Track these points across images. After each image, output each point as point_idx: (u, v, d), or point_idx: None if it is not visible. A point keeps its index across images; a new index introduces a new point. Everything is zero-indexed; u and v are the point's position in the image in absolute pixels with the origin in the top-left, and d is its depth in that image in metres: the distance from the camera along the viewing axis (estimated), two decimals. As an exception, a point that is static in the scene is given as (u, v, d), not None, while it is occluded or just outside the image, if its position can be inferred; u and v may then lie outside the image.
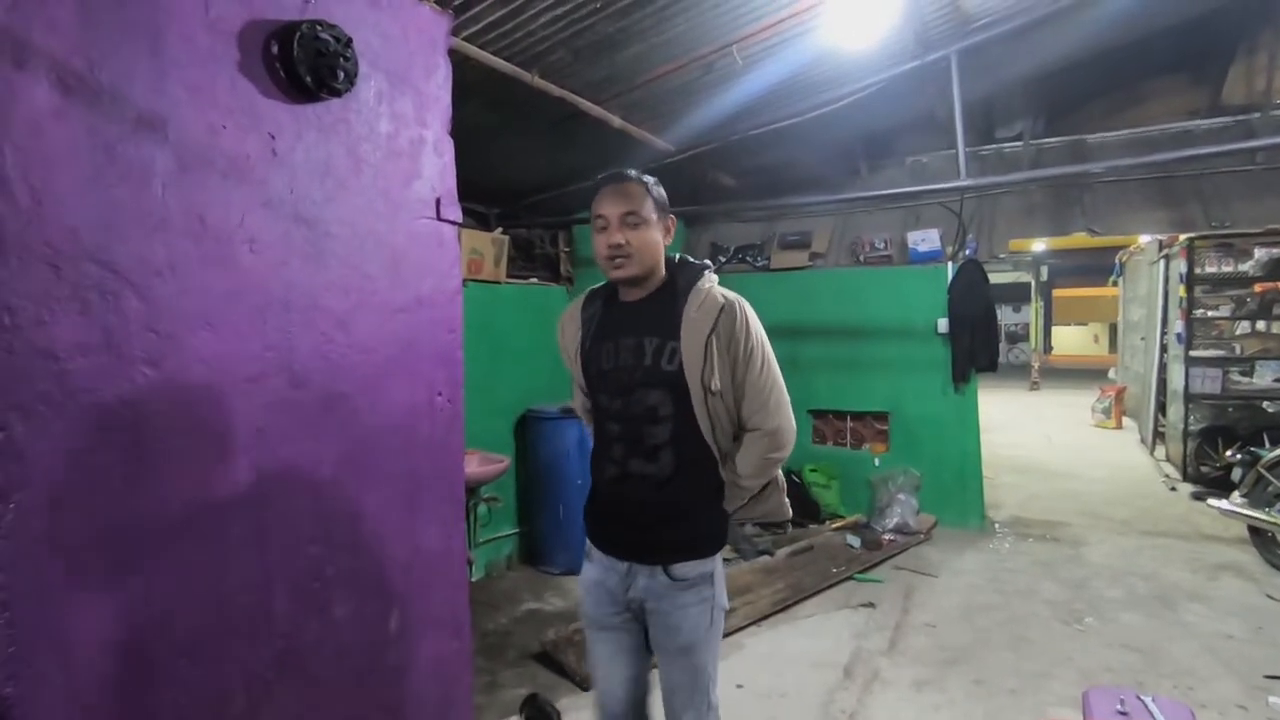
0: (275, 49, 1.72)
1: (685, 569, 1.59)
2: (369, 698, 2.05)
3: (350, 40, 1.82)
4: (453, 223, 2.29)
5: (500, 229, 4.57)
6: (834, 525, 4.86)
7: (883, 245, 5.31)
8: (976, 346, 4.85)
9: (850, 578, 4.03)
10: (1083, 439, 8.65)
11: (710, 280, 1.64)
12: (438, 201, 2.23)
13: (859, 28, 2.83)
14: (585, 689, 2.82)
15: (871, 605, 3.65)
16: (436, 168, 2.23)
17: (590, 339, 1.72)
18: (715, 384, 1.54)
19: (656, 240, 1.62)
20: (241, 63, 1.68)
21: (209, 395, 1.63)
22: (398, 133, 2.08)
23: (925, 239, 5.11)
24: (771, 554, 4.32)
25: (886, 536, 4.59)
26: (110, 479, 1.46)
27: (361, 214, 1.98)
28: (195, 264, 1.59)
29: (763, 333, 1.62)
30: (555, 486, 4.25)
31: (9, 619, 1.31)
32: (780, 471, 1.72)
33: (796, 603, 3.69)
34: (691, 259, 1.72)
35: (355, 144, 1.95)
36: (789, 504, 1.78)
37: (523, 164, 3.80)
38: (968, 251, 5.00)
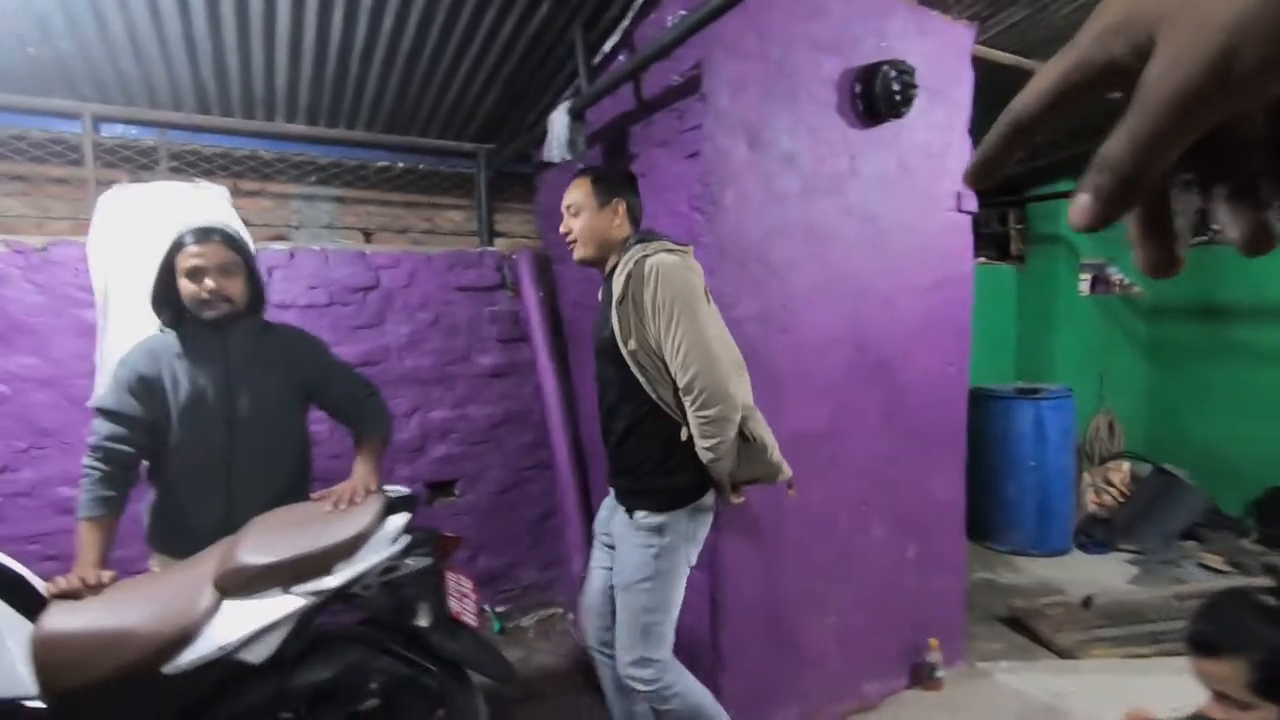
0: (858, 88, 2.22)
1: (639, 516, 1.73)
2: (892, 609, 2.51)
3: (913, 70, 2.22)
4: (969, 213, 2.58)
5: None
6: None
7: None
8: None
9: None
10: None
11: (639, 250, 1.69)
12: (958, 195, 2.54)
13: None
14: (1063, 656, 2.90)
15: None
16: (958, 165, 2.54)
17: None
18: (631, 344, 1.64)
19: (600, 224, 1.76)
20: (838, 104, 2.22)
21: (811, 355, 2.23)
22: (932, 139, 2.45)
23: None
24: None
25: None
26: (760, 407, 2.14)
27: (903, 210, 2.40)
28: (807, 259, 2.19)
29: (680, 289, 1.62)
30: (1004, 464, 4.26)
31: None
32: (767, 432, 1.75)
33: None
34: (644, 233, 1.80)
35: (904, 153, 2.38)
36: (783, 464, 1.78)
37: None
38: None
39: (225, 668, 1.27)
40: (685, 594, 1.78)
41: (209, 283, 1.58)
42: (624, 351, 1.66)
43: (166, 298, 1.64)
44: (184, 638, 1.24)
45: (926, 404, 2.52)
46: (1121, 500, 4.61)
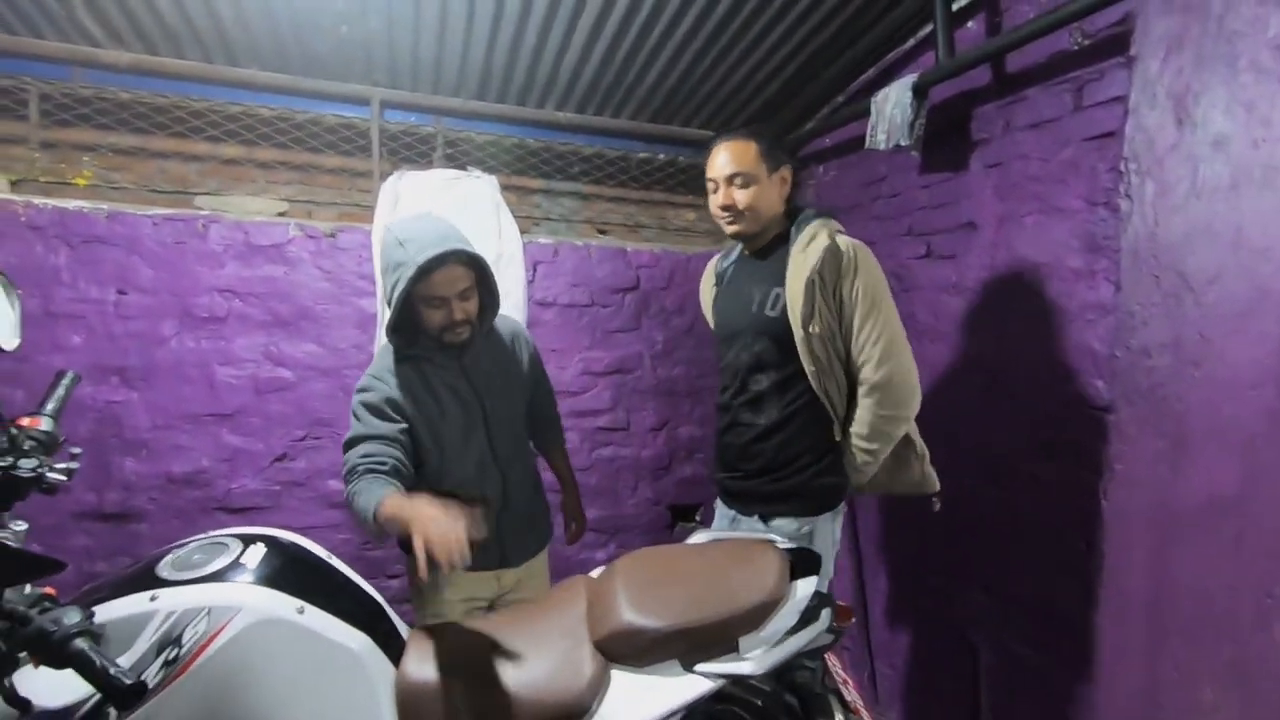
0: (1312, 54, 1.69)
1: (782, 524, 1.59)
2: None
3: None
4: None
5: None
6: None
7: None
8: None
9: None
10: None
11: (824, 225, 1.58)
12: None
13: None
14: None
15: None
16: None
17: (720, 293, 1.76)
18: (815, 326, 1.50)
19: (769, 197, 1.60)
20: (1283, 74, 1.70)
21: (1226, 398, 1.72)
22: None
23: None
24: None
25: None
26: (1159, 461, 1.67)
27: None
28: (1232, 273, 1.69)
29: (879, 278, 1.54)
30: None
31: (1101, 564, 1.63)
32: (918, 438, 1.63)
33: None
34: (812, 208, 1.66)
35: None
36: (934, 474, 1.66)
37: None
38: None
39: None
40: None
41: (454, 313, 1.46)
42: (799, 335, 1.53)
43: (406, 324, 1.49)
44: (569, 716, 1.00)
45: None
46: None
